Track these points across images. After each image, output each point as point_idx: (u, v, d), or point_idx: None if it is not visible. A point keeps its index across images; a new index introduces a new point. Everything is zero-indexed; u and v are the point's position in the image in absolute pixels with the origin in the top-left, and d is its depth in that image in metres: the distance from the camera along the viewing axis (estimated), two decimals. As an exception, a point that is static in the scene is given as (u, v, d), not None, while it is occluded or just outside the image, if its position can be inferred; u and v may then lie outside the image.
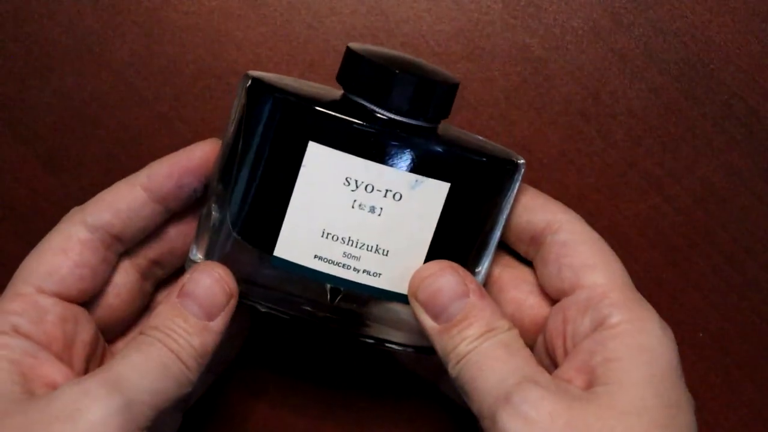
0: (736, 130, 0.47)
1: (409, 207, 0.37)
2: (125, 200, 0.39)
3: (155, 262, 0.42)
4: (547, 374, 0.36)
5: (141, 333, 0.37)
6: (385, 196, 0.37)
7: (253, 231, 0.38)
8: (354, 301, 0.39)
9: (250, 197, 0.38)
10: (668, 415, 0.36)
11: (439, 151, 0.37)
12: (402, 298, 0.39)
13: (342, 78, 0.38)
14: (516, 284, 0.42)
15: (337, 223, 0.37)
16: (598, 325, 0.37)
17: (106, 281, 0.40)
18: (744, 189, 0.47)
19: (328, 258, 0.38)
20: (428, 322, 0.38)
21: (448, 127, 0.40)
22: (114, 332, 0.42)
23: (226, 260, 0.38)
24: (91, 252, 0.39)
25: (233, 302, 0.38)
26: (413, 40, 0.47)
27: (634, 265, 0.48)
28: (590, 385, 0.36)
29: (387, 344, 0.40)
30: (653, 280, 0.48)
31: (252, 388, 0.48)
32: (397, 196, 0.37)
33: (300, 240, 0.37)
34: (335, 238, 0.37)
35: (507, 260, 0.42)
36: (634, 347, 0.36)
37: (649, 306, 0.38)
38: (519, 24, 0.47)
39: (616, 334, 0.37)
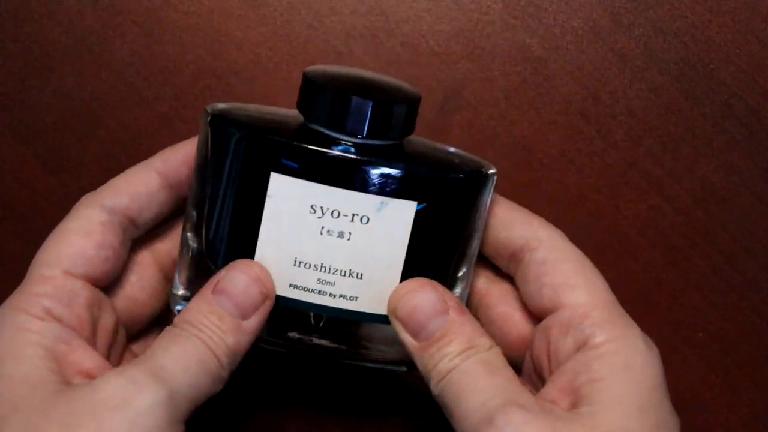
0: (736, 130, 0.47)
1: (377, 229, 0.37)
2: (142, 184, 0.39)
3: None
4: (530, 395, 0.36)
5: (173, 326, 0.37)
6: (352, 220, 0.37)
7: (228, 262, 0.38)
8: (339, 325, 0.39)
9: (224, 229, 0.38)
10: None
11: (401, 171, 0.37)
12: (382, 319, 0.38)
13: (300, 106, 0.38)
14: (503, 299, 0.42)
15: (307, 251, 0.37)
16: (582, 345, 0.37)
17: (125, 266, 0.40)
18: (744, 189, 0.47)
19: (303, 286, 0.38)
20: (408, 339, 0.38)
21: (414, 140, 0.40)
22: (136, 328, 0.42)
23: None
24: (112, 234, 0.39)
25: (269, 303, 0.38)
26: (413, 40, 0.47)
27: (634, 265, 0.48)
28: (575, 405, 0.36)
29: (374, 365, 0.40)
30: (653, 280, 0.48)
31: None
32: (364, 220, 0.37)
33: (273, 270, 0.37)
34: (308, 265, 0.37)
35: (492, 274, 0.42)
36: (618, 366, 0.36)
37: (632, 323, 0.38)
38: (519, 24, 0.47)
39: (600, 354, 0.37)
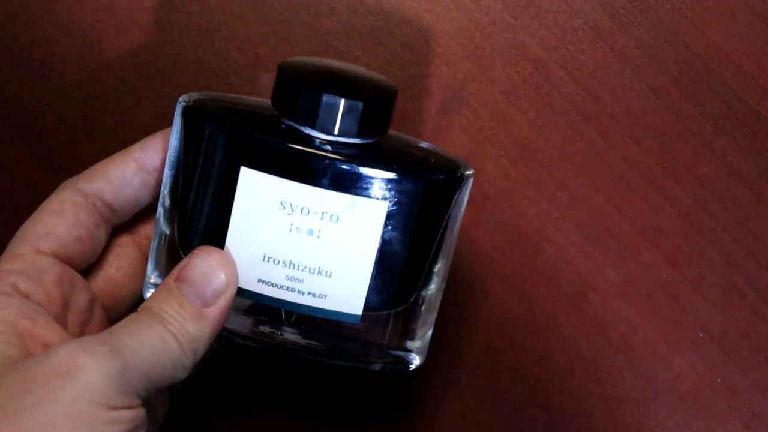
0: (736, 130, 0.47)
1: (347, 228, 0.37)
2: (117, 169, 0.40)
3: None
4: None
5: (136, 312, 0.37)
6: (321, 218, 0.37)
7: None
8: (310, 321, 0.39)
9: (195, 221, 0.38)
10: None
11: (373, 171, 0.37)
12: (351, 318, 0.38)
13: (274, 101, 0.38)
14: None
15: (276, 247, 0.37)
16: None
17: (106, 249, 0.41)
18: (744, 189, 0.47)
19: (272, 282, 0.37)
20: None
21: (391, 136, 0.40)
22: (117, 311, 0.42)
23: None
24: (86, 214, 0.39)
25: (230, 291, 0.38)
26: (413, 40, 0.47)
27: (634, 265, 0.48)
28: None
29: (346, 363, 0.40)
30: (653, 280, 0.48)
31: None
32: (334, 218, 0.37)
33: (242, 265, 0.37)
34: (276, 261, 0.37)
35: None
36: None
37: None
38: (519, 24, 0.47)
39: None
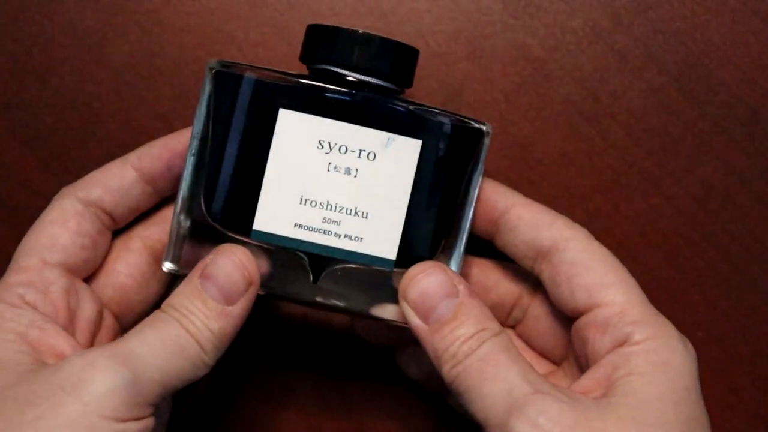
0: (736, 130, 0.47)
1: (383, 166, 0.38)
2: (115, 178, 0.40)
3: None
4: (556, 385, 0.36)
5: (159, 310, 0.37)
6: (359, 156, 0.38)
7: (231, 215, 0.38)
8: (337, 281, 0.39)
9: (226, 181, 0.38)
10: (688, 430, 0.35)
11: (408, 109, 0.38)
12: (385, 263, 0.39)
13: (306, 53, 0.39)
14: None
15: (314, 188, 0.38)
16: (620, 344, 0.37)
17: (114, 255, 0.41)
18: (744, 189, 0.47)
19: (308, 225, 0.38)
20: (418, 323, 0.38)
21: (411, 97, 0.41)
22: (129, 317, 0.42)
23: (199, 249, 0.39)
24: (88, 222, 0.40)
25: (253, 289, 0.38)
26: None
27: (634, 265, 0.48)
28: (607, 396, 0.36)
29: (372, 317, 0.40)
30: (653, 280, 0.48)
31: (255, 388, 0.48)
32: (371, 156, 0.38)
33: (278, 210, 0.38)
34: (313, 203, 0.38)
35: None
36: (656, 363, 0.36)
37: (668, 322, 0.38)
38: (519, 24, 0.47)
39: (639, 351, 0.37)
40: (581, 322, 0.39)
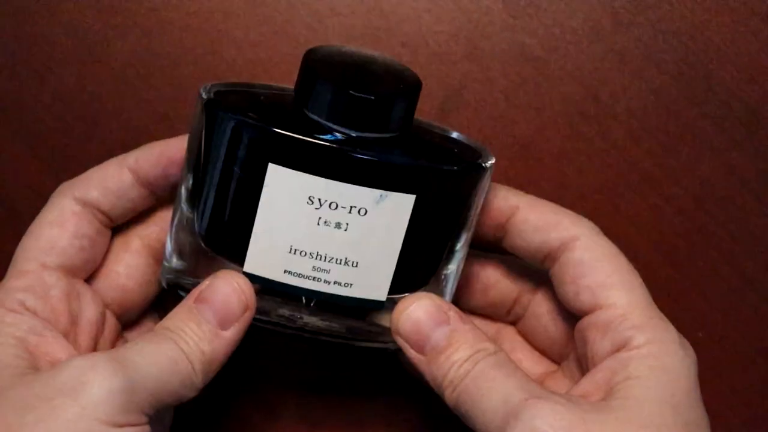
0: (736, 130, 0.47)
1: (375, 221, 0.37)
2: (113, 180, 0.40)
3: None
4: (552, 391, 0.36)
5: (153, 330, 0.37)
6: (350, 212, 0.37)
7: (223, 245, 0.38)
8: (330, 304, 0.39)
9: (219, 214, 0.38)
10: None
11: (402, 164, 0.37)
12: (375, 305, 0.38)
13: (299, 94, 0.38)
14: (514, 345, 0.43)
15: (303, 240, 0.37)
16: (620, 347, 0.37)
17: (113, 255, 0.41)
18: (744, 189, 0.47)
19: (298, 272, 0.38)
20: (414, 355, 0.38)
21: (416, 126, 0.40)
22: (130, 316, 0.42)
23: (199, 269, 0.39)
24: (86, 223, 0.39)
25: (248, 315, 0.38)
26: (413, 40, 0.47)
27: (634, 265, 0.48)
28: (606, 400, 0.36)
29: (364, 344, 0.40)
30: (653, 280, 0.48)
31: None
32: (362, 212, 0.37)
33: (268, 256, 0.37)
34: (303, 253, 0.37)
35: (494, 322, 0.43)
36: (655, 367, 0.36)
37: (670, 325, 0.38)
38: (519, 24, 0.47)
39: (639, 355, 0.37)
40: (584, 322, 0.39)
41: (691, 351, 0.38)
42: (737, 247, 0.48)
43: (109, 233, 0.41)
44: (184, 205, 0.39)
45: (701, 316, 0.48)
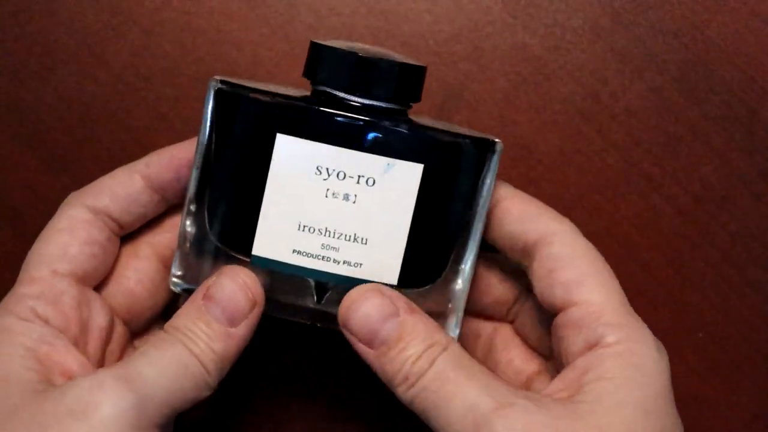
0: (736, 130, 0.47)
1: (383, 192, 0.37)
2: (123, 186, 0.40)
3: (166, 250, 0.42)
4: (518, 391, 0.35)
5: (163, 331, 0.37)
6: (357, 182, 0.37)
7: (232, 235, 0.38)
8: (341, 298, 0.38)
9: (226, 201, 0.38)
10: None
11: (408, 132, 0.37)
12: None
13: (308, 71, 0.38)
14: (507, 342, 0.42)
15: (312, 215, 0.37)
16: (593, 345, 0.37)
17: (123, 262, 0.41)
18: (744, 189, 0.47)
19: (307, 251, 0.37)
20: (364, 349, 0.37)
21: (423, 116, 0.40)
22: (139, 323, 0.42)
23: (211, 271, 0.38)
24: (97, 230, 0.39)
25: (257, 310, 0.38)
26: (413, 40, 0.47)
27: (634, 265, 0.48)
28: (576, 400, 0.35)
29: None
30: (653, 280, 0.48)
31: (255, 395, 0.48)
32: (370, 182, 0.37)
33: (277, 236, 0.37)
34: (312, 230, 0.37)
35: (488, 321, 0.43)
36: (627, 368, 0.36)
37: (643, 325, 0.38)
38: (519, 24, 0.47)
39: (611, 354, 0.36)
40: (559, 319, 0.39)
41: (665, 354, 0.37)
42: (737, 247, 0.48)
43: (118, 241, 0.41)
44: (192, 206, 0.39)
45: (701, 316, 0.48)
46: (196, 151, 0.39)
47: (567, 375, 0.37)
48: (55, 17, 0.47)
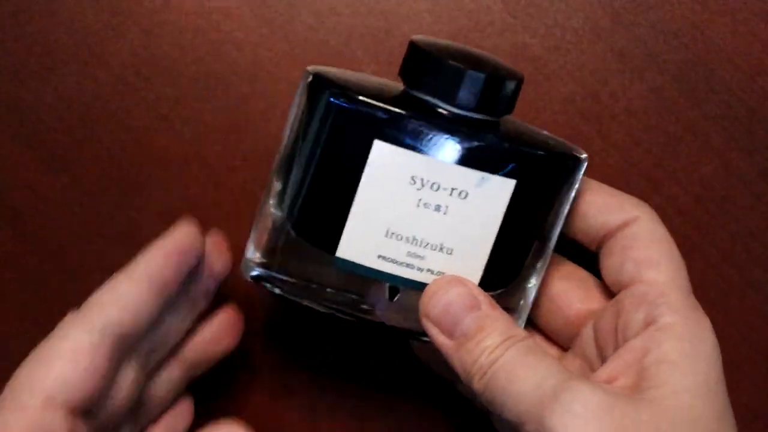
0: (736, 130, 0.47)
1: (474, 205, 0.37)
2: (129, 295, 0.38)
3: (151, 352, 0.41)
4: (585, 377, 0.36)
5: None
6: (450, 194, 0.37)
7: (314, 231, 0.37)
8: (412, 299, 0.38)
9: (312, 197, 0.37)
10: (719, 427, 0.35)
11: (505, 147, 0.37)
12: None
13: (406, 74, 0.38)
14: (564, 275, 0.42)
15: (401, 223, 0.37)
16: (651, 323, 0.37)
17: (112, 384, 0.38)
18: (744, 189, 0.47)
19: (392, 258, 0.37)
20: (443, 340, 0.37)
21: (507, 119, 0.40)
22: (107, 430, 0.39)
23: (285, 260, 0.38)
24: (101, 355, 0.37)
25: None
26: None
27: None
28: (638, 385, 0.36)
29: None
30: (653, 280, 0.48)
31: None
32: (463, 194, 0.37)
33: (363, 240, 0.37)
34: (399, 237, 0.37)
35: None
36: (688, 352, 0.36)
37: (704, 314, 0.38)
38: (519, 24, 0.47)
39: (671, 336, 0.36)
40: (621, 295, 0.39)
41: (717, 342, 0.37)
42: (737, 247, 0.48)
43: (120, 360, 0.38)
44: (274, 191, 0.38)
45: (701, 316, 0.48)
46: (283, 138, 0.38)
47: (624, 356, 0.37)
48: (55, 17, 0.47)
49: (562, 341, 0.43)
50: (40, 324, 0.48)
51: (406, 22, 0.47)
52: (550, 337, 0.43)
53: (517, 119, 0.41)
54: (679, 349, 0.36)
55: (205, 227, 0.42)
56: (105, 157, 0.47)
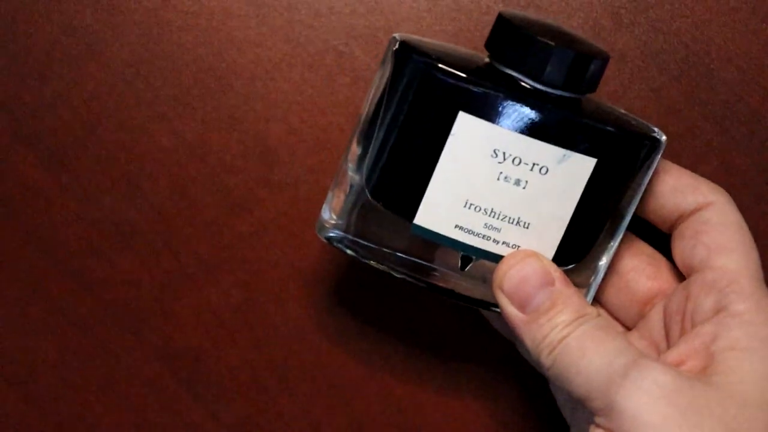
0: (736, 130, 0.47)
1: (554, 181, 0.37)
2: None
3: None
4: (655, 356, 0.36)
5: None
6: (531, 169, 0.37)
7: (393, 198, 0.38)
8: (483, 271, 0.38)
9: (392, 164, 0.38)
10: None
11: (588, 125, 0.37)
12: None
13: (492, 47, 0.38)
14: (634, 252, 0.42)
15: (481, 195, 0.37)
16: (721, 309, 0.37)
17: None
18: (744, 189, 0.47)
19: (469, 228, 0.37)
20: (514, 313, 0.37)
21: (590, 97, 0.40)
22: None
23: (359, 224, 0.38)
24: None
25: None
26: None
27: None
28: (707, 370, 0.36)
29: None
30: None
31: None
32: (544, 170, 0.37)
33: (442, 209, 0.37)
34: (478, 209, 0.37)
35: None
36: (759, 339, 0.36)
37: None
38: (519, 24, 0.47)
39: (742, 322, 0.36)
40: (691, 279, 0.39)
41: None
42: (737, 247, 0.48)
43: None
44: (350, 163, 0.39)
45: (701, 316, 0.48)
46: (365, 103, 0.39)
47: (692, 340, 0.37)
48: (55, 17, 0.47)
49: (625, 318, 0.43)
50: (40, 324, 0.48)
51: (406, 22, 0.47)
52: (613, 314, 0.43)
53: (598, 99, 0.41)
54: (749, 335, 0.36)
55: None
56: (105, 157, 0.47)
